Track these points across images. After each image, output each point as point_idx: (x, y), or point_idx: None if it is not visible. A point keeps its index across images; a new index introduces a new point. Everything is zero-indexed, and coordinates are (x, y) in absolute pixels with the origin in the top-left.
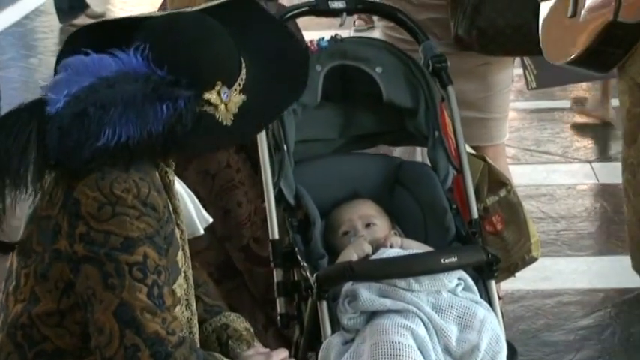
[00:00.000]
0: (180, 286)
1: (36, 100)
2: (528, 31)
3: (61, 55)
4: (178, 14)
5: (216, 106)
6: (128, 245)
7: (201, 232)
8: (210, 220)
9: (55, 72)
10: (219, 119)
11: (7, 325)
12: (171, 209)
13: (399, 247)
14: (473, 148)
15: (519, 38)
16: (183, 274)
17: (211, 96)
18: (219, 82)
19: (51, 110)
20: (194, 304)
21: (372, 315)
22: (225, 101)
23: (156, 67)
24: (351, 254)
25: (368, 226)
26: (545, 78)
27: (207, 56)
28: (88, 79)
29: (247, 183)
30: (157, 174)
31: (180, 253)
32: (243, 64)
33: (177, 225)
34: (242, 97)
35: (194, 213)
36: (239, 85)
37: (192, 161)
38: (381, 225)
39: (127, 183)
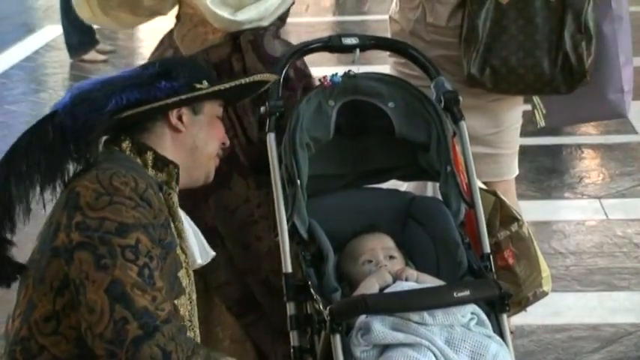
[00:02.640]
0: (184, 306)
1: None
2: (541, 70)
3: None
4: None
5: None
6: (122, 230)
7: (200, 262)
8: (213, 253)
9: None
10: (209, 90)
11: (9, 344)
12: (174, 230)
13: (415, 280)
14: (483, 183)
15: (532, 77)
16: (187, 296)
17: (202, 86)
18: (204, 81)
19: (59, 106)
20: (197, 326)
21: (385, 348)
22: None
23: (145, 69)
24: (372, 284)
25: (388, 257)
26: (555, 117)
27: (195, 64)
28: (89, 85)
29: (270, 217)
30: (159, 191)
31: (183, 272)
32: None
33: (182, 249)
34: None
35: (195, 244)
36: None
37: (212, 195)
38: (399, 258)
39: (125, 177)
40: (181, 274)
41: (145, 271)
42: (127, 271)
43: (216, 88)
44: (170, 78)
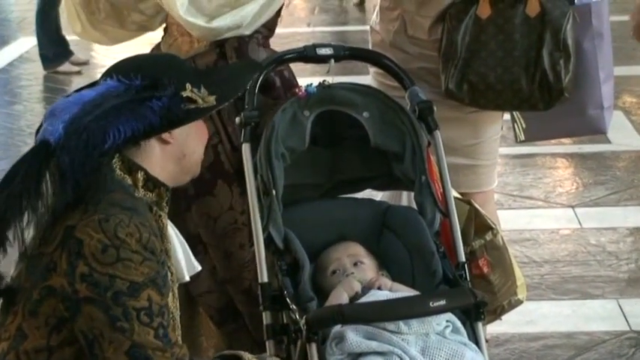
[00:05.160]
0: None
1: (36, 143)
2: (519, 87)
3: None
4: None
5: (195, 101)
6: (134, 290)
7: (187, 278)
8: (199, 267)
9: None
10: (204, 106)
11: None
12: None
13: (388, 289)
14: (462, 194)
15: (510, 94)
16: (171, 315)
17: (189, 94)
18: (188, 85)
19: (52, 139)
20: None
21: (358, 357)
22: (202, 96)
23: (129, 81)
24: (340, 293)
25: (356, 264)
26: (534, 131)
27: (171, 65)
28: (75, 108)
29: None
30: (153, 218)
31: (170, 295)
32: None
33: (168, 267)
34: (213, 96)
35: (182, 260)
36: (205, 91)
37: (194, 202)
38: (369, 264)
39: (129, 227)
40: (169, 297)
41: (160, 331)
42: (146, 335)
43: (211, 105)
44: (157, 88)
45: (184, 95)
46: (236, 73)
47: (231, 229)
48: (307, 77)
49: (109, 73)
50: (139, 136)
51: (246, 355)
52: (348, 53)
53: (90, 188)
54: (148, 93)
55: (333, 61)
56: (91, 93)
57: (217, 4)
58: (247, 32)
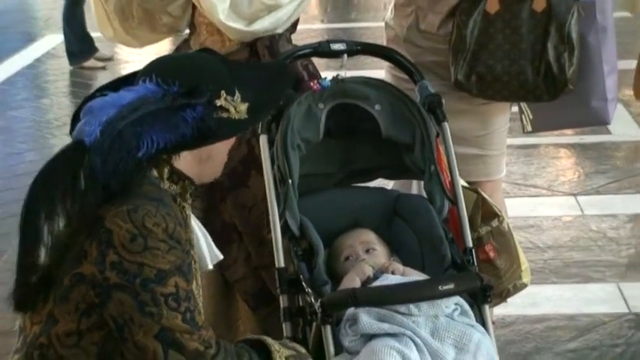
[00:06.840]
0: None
1: (72, 142)
2: (524, 78)
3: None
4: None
5: (227, 110)
6: (161, 277)
7: (211, 267)
8: (221, 256)
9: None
10: (235, 118)
11: (27, 345)
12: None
13: (401, 273)
14: (471, 183)
15: (516, 85)
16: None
17: (222, 102)
18: (223, 92)
19: (89, 140)
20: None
21: (371, 338)
22: (234, 104)
23: (167, 86)
24: (353, 278)
25: (368, 251)
26: (541, 122)
27: (208, 70)
28: (113, 110)
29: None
30: (177, 209)
31: (194, 283)
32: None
33: (192, 256)
34: (246, 104)
35: (206, 250)
36: (238, 97)
37: (229, 194)
38: (381, 250)
39: (156, 217)
40: (193, 285)
41: (187, 315)
42: (174, 320)
43: (242, 119)
44: (193, 96)
45: (218, 104)
46: (269, 81)
47: (264, 218)
48: (322, 71)
49: (150, 72)
50: (170, 149)
51: (269, 339)
52: (360, 48)
53: (122, 190)
54: (184, 101)
55: (346, 56)
56: (129, 95)
57: (256, 9)
58: (280, 31)
